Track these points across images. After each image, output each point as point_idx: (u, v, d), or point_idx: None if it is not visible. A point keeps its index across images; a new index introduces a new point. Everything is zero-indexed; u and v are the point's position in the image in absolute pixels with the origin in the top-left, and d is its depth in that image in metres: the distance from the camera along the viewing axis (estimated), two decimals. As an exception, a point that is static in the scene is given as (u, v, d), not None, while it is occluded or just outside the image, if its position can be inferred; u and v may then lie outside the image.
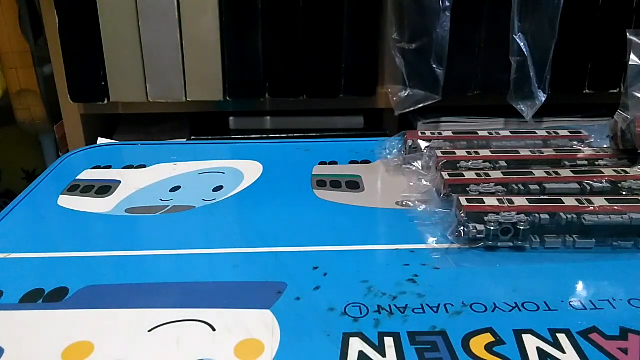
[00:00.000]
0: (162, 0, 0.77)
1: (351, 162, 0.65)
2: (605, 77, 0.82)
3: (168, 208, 0.54)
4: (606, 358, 0.34)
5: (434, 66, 0.78)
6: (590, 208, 0.46)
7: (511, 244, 0.46)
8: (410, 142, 0.63)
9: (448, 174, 0.54)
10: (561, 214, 0.46)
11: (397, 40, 0.79)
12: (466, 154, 0.59)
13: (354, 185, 0.59)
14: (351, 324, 0.38)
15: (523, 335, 0.36)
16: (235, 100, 0.84)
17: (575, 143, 0.63)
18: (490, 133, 0.65)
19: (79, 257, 0.46)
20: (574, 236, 0.46)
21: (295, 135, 0.87)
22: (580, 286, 0.42)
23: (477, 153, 0.59)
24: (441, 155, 0.58)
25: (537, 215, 0.46)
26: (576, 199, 0.47)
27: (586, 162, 0.58)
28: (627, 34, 0.56)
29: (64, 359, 0.35)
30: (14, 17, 0.90)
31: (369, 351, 0.35)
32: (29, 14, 0.91)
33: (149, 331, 0.37)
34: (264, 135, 0.88)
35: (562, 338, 0.36)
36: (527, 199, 0.48)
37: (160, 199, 0.56)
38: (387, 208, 0.54)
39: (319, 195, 0.56)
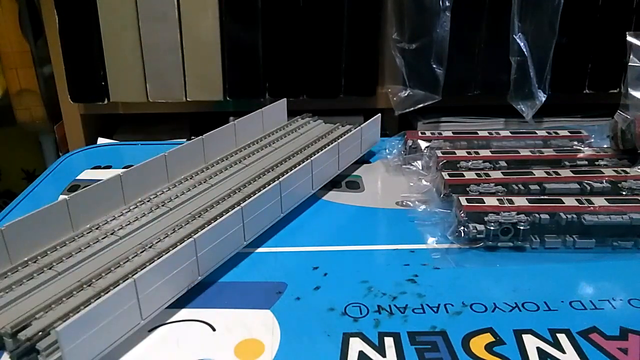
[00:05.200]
0: (162, 1, 0.77)
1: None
2: (605, 77, 0.82)
3: (168, 208, 0.54)
4: (606, 358, 0.35)
5: (434, 66, 0.78)
6: (590, 208, 0.46)
7: (511, 244, 0.46)
8: (410, 142, 0.63)
9: (448, 174, 0.54)
10: (561, 214, 0.46)
11: (397, 40, 0.79)
12: (466, 154, 0.59)
13: (354, 185, 0.59)
14: (351, 324, 0.38)
15: (523, 335, 0.36)
16: (235, 100, 0.84)
17: (575, 143, 0.63)
18: (490, 133, 0.65)
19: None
20: (574, 236, 0.46)
21: (295, 135, 0.87)
22: (580, 286, 0.42)
23: (477, 153, 0.59)
24: (441, 155, 0.58)
25: (537, 215, 0.46)
26: (576, 199, 0.48)
27: (586, 162, 0.58)
28: (627, 37, 0.56)
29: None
30: (14, 17, 0.90)
31: (369, 351, 0.35)
32: (29, 14, 0.91)
33: (149, 331, 0.37)
34: (264, 135, 0.88)
35: (562, 338, 0.36)
36: (527, 199, 0.48)
37: (160, 199, 0.56)
38: (387, 208, 0.54)
39: (320, 195, 0.56)
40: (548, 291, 0.41)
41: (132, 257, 0.41)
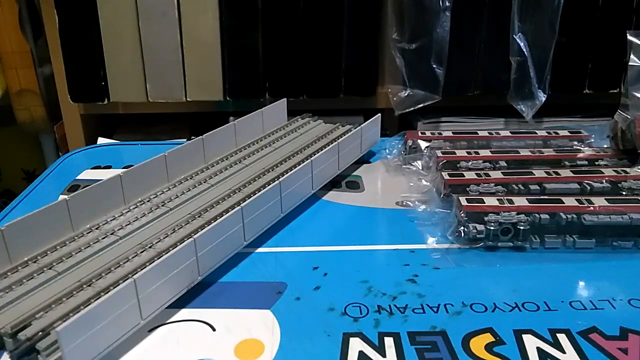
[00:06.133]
0: (162, 0, 0.77)
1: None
2: (605, 77, 0.82)
3: (168, 208, 0.54)
4: (606, 358, 0.35)
5: (434, 66, 0.78)
6: (590, 208, 0.46)
7: (511, 244, 0.46)
8: (410, 142, 0.63)
9: (448, 174, 0.54)
10: (561, 214, 0.46)
11: (397, 40, 0.79)
12: (466, 154, 0.59)
13: (354, 185, 0.59)
14: (351, 324, 0.38)
15: (523, 335, 0.36)
16: (235, 100, 0.84)
17: (575, 143, 0.63)
18: (490, 133, 0.65)
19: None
20: (574, 236, 0.46)
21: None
22: (580, 286, 0.42)
23: (477, 153, 0.59)
24: (441, 155, 0.58)
25: (537, 215, 0.46)
26: (576, 199, 0.48)
27: (586, 162, 0.58)
28: (627, 35, 0.56)
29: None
30: (14, 17, 0.90)
31: (369, 351, 0.35)
32: (29, 14, 0.91)
33: (149, 331, 0.37)
34: (264, 135, 0.88)
35: (562, 338, 0.36)
36: (527, 199, 0.48)
37: (160, 199, 0.56)
38: (387, 208, 0.54)
39: (319, 195, 0.56)
40: (548, 291, 0.41)
41: (132, 257, 0.41)
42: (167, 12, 0.78)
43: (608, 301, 0.40)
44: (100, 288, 0.38)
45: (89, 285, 0.38)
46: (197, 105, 0.84)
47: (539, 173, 0.54)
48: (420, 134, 0.64)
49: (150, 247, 0.42)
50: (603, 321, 0.38)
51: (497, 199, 0.48)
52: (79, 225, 0.45)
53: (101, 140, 0.84)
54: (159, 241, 0.43)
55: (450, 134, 0.65)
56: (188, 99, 0.82)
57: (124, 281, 0.37)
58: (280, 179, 0.48)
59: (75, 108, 0.86)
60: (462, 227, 0.46)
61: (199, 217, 0.47)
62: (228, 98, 0.83)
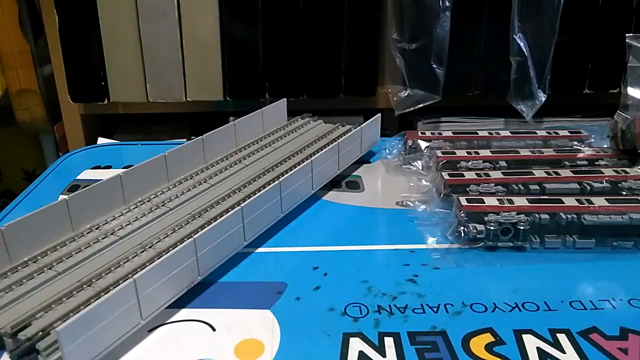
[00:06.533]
0: (162, 0, 0.77)
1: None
2: (605, 77, 0.82)
3: (168, 208, 0.54)
4: (606, 358, 0.35)
5: (434, 66, 0.78)
6: (590, 208, 0.46)
7: (511, 244, 0.46)
8: (410, 142, 0.63)
9: (448, 174, 0.54)
10: (561, 214, 0.46)
11: (397, 40, 0.79)
12: (466, 154, 0.59)
13: (354, 185, 0.59)
14: (351, 324, 0.38)
15: (523, 335, 0.36)
16: (235, 100, 0.84)
17: (575, 143, 0.63)
18: (490, 133, 0.65)
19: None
20: (574, 236, 0.46)
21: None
22: (580, 286, 0.42)
23: (477, 153, 0.59)
24: (441, 155, 0.58)
25: (537, 215, 0.46)
26: (576, 199, 0.48)
27: (586, 162, 0.58)
28: (626, 39, 0.56)
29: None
30: (14, 17, 0.90)
31: (369, 351, 0.35)
32: (29, 14, 0.91)
33: (149, 331, 0.37)
34: (264, 135, 0.88)
35: (562, 338, 0.36)
36: (527, 199, 0.48)
37: (160, 199, 0.56)
38: (387, 208, 0.54)
39: (319, 195, 0.56)
40: (548, 291, 0.41)
41: (132, 257, 0.41)
42: (167, 12, 0.78)
43: (608, 301, 0.40)
44: (100, 288, 0.38)
45: (89, 285, 0.38)
46: (197, 105, 0.84)
47: (539, 173, 0.54)
48: (420, 134, 0.64)
49: (150, 247, 0.42)
50: (603, 321, 0.38)
51: (497, 199, 0.48)
52: (79, 225, 0.45)
53: (101, 140, 0.84)
54: (159, 241, 0.43)
55: (450, 134, 0.65)
56: (188, 99, 0.82)
57: (124, 281, 0.37)
58: (280, 179, 0.48)
59: (75, 108, 0.86)
60: (462, 227, 0.46)
61: (199, 217, 0.47)
62: (228, 98, 0.83)
